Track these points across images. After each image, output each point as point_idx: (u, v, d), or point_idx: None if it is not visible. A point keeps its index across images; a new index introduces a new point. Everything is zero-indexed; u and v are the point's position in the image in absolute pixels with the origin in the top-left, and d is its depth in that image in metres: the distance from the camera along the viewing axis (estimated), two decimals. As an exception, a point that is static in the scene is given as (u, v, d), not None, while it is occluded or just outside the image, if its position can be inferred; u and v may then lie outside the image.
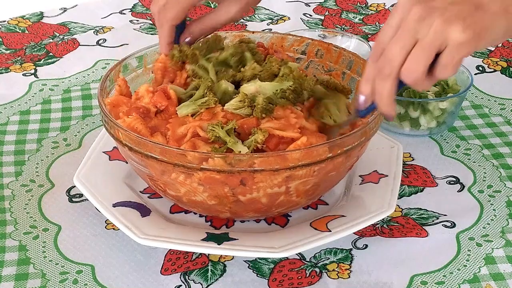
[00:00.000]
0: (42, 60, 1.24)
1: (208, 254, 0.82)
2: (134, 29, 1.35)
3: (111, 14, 1.40)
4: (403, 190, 0.93)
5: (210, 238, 0.80)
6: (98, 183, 0.88)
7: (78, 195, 0.91)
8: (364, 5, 1.44)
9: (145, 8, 1.43)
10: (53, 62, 1.23)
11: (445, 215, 0.89)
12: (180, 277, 0.80)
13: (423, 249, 0.83)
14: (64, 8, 1.42)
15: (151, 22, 1.37)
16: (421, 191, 0.93)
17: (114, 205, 0.84)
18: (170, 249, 0.83)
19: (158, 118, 0.83)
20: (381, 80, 0.73)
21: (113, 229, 0.86)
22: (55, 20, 1.37)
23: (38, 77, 1.18)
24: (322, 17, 1.39)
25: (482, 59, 1.23)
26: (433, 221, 0.88)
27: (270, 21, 1.38)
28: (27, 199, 0.91)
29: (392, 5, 1.42)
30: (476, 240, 0.84)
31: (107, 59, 1.24)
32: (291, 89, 0.81)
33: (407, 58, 0.71)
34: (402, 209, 0.90)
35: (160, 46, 0.90)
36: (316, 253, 0.83)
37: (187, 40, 0.90)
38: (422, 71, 0.71)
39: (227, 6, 0.89)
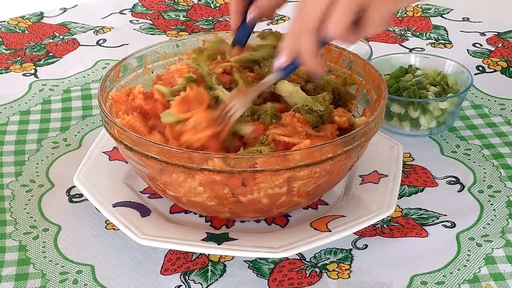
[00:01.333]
0: (42, 60, 1.24)
1: (208, 254, 0.82)
2: (134, 29, 1.35)
3: (111, 14, 1.40)
4: (403, 190, 0.93)
5: (210, 238, 0.80)
6: (98, 183, 0.88)
7: (78, 195, 0.91)
8: (364, 5, 1.44)
9: (145, 8, 1.43)
10: (53, 62, 1.23)
11: (445, 215, 0.89)
12: (180, 277, 0.80)
13: (423, 249, 0.83)
14: (64, 8, 1.42)
15: (151, 22, 1.37)
16: (421, 191, 0.93)
17: (114, 205, 0.84)
18: (170, 249, 0.83)
19: (156, 117, 0.83)
20: (302, 36, 0.74)
21: (113, 229, 0.86)
22: (55, 20, 1.38)
23: (38, 77, 1.18)
24: (322, 17, 1.39)
25: (482, 59, 1.23)
26: (433, 221, 0.88)
27: (270, 21, 1.38)
28: (27, 199, 0.91)
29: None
30: (476, 240, 0.84)
31: (107, 59, 1.24)
32: (318, 113, 0.82)
33: (333, 13, 0.72)
34: (402, 209, 0.90)
35: (231, 15, 0.88)
36: (316, 253, 0.83)
37: (252, 15, 0.88)
38: (346, 25, 0.72)
39: None
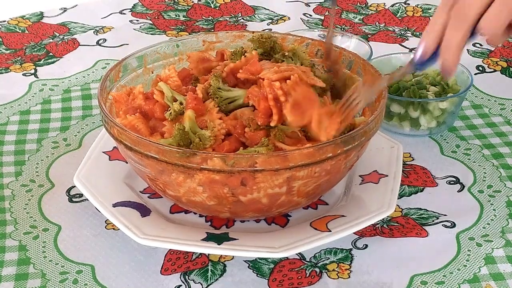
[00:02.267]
0: (42, 60, 1.24)
1: (208, 254, 0.82)
2: (134, 29, 1.35)
3: (111, 14, 1.40)
4: (403, 190, 0.93)
5: (210, 238, 0.80)
6: (98, 183, 0.88)
7: (78, 195, 0.91)
8: (364, 5, 1.44)
9: (145, 8, 1.43)
10: (53, 62, 1.23)
11: (445, 215, 0.89)
12: (180, 277, 0.80)
13: (423, 249, 0.83)
14: (64, 8, 1.42)
15: (151, 22, 1.37)
16: (421, 191, 0.93)
17: (114, 205, 0.84)
18: (170, 249, 0.83)
19: (156, 118, 0.83)
20: (453, 28, 0.71)
21: (113, 229, 0.86)
22: (55, 20, 1.38)
23: (38, 77, 1.18)
24: (322, 17, 1.39)
25: (482, 59, 1.23)
26: (433, 221, 0.87)
27: (270, 21, 1.38)
28: (27, 199, 0.91)
29: (392, 6, 1.43)
30: (476, 240, 0.84)
31: (107, 59, 1.24)
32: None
33: (489, 9, 0.69)
34: (402, 209, 0.90)
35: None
36: (316, 253, 0.83)
37: None
38: (503, 25, 0.70)
39: None
